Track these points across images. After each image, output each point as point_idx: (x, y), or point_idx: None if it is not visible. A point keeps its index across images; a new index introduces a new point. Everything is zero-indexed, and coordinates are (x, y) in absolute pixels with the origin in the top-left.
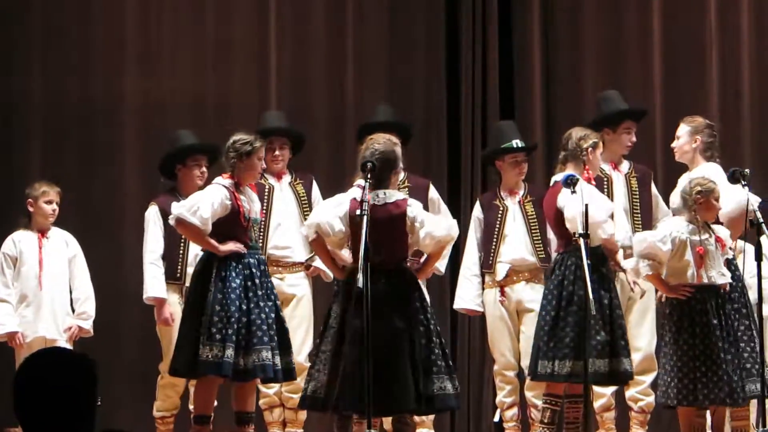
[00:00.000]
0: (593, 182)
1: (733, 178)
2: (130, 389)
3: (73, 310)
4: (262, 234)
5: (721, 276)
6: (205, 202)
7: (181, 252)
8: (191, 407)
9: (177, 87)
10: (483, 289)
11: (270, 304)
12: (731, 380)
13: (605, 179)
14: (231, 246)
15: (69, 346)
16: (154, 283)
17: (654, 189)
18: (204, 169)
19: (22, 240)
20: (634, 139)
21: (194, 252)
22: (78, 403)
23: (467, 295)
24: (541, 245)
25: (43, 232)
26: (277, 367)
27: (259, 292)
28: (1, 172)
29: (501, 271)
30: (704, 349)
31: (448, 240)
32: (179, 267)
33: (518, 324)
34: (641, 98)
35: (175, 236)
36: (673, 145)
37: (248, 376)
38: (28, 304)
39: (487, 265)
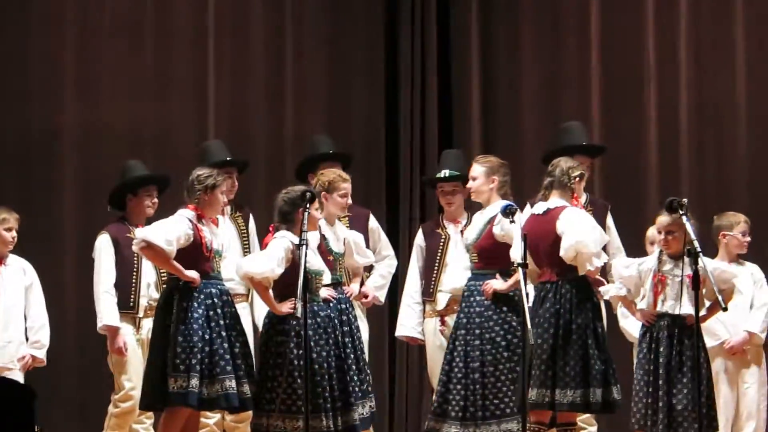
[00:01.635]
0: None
1: (671, 208)
2: (67, 419)
3: (26, 339)
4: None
5: (678, 307)
6: (171, 228)
7: (133, 281)
8: None
9: (115, 117)
10: (423, 317)
11: (234, 333)
12: (686, 411)
13: None
14: (194, 273)
15: (21, 376)
16: (108, 312)
17: (610, 222)
18: (155, 199)
19: None
20: (587, 173)
21: (146, 281)
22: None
23: (408, 323)
24: None
25: (1, 259)
26: (244, 396)
27: (221, 322)
28: None
29: (441, 300)
30: (660, 376)
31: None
32: (132, 296)
33: None
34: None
35: (128, 265)
36: (469, 185)
37: (212, 405)
38: None
39: (427, 293)
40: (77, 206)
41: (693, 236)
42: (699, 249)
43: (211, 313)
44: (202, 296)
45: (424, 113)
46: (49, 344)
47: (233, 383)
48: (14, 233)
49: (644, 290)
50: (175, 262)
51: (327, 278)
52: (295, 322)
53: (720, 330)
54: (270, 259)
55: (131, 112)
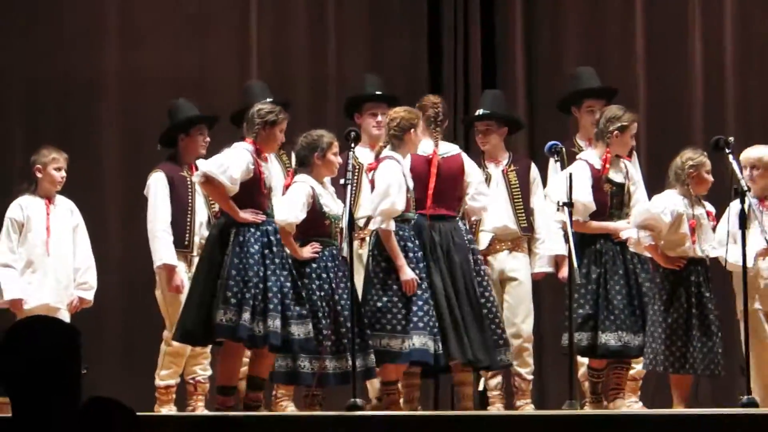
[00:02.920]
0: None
1: (717, 146)
2: (114, 360)
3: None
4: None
5: (713, 249)
6: (234, 164)
7: (188, 219)
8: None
9: (157, 61)
10: None
11: (285, 273)
12: (717, 352)
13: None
14: (249, 215)
15: (68, 317)
16: (166, 250)
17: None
18: (207, 138)
19: (29, 206)
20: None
21: (199, 220)
22: (63, 371)
23: None
24: (523, 214)
25: (50, 199)
26: (291, 336)
27: (276, 260)
28: None
29: (484, 240)
30: (700, 320)
31: None
32: (187, 235)
33: (501, 292)
34: (623, 74)
35: (182, 203)
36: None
37: (258, 342)
38: (34, 270)
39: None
40: (120, 149)
41: (740, 175)
42: (746, 188)
43: (266, 251)
44: (258, 233)
45: (467, 57)
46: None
47: (278, 322)
48: (63, 173)
49: (675, 235)
50: (231, 202)
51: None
52: (315, 265)
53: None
54: (293, 205)
55: (172, 56)
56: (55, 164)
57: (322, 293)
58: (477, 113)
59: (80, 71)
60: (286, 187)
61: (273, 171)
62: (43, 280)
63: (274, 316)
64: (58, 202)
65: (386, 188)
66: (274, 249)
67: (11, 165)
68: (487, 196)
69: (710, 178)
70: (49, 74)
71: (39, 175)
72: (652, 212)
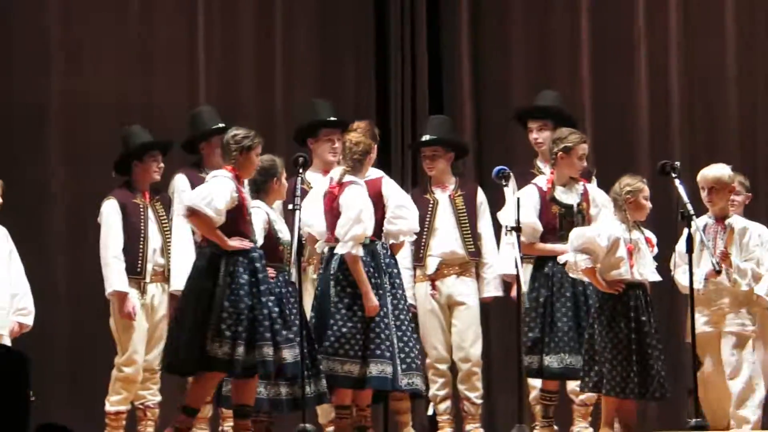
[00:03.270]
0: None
1: (663, 171)
2: (63, 387)
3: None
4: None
5: (651, 273)
6: (218, 194)
7: (140, 246)
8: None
9: (102, 87)
10: (414, 282)
11: (273, 298)
12: (660, 376)
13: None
14: (237, 243)
15: (9, 343)
16: (117, 277)
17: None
18: (161, 164)
19: None
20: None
21: (153, 247)
22: (11, 398)
23: None
24: (471, 239)
25: None
26: (283, 362)
27: (262, 287)
28: None
29: (432, 264)
30: (639, 344)
31: None
32: (139, 262)
33: (449, 317)
34: (569, 99)
35: (135, 231)
36: None
37: (251, 372)
38: None
39: (417, 258)
40: (65, 176)
41: (686, 199)
42: (692, 212)
43: (253, 279)
44: (246, 261)
45: (414, 82)
46: (40, 314)
47: (270, 350)
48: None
49: (612, 259)
50: (218, 231)
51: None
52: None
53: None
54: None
55: (118, 81)
56: None
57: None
58: (423, 139)
59: (25, 95)
60: None
61: None
62: None
63: (268, 344)
64: None
65: (358, 213)
66: (260, 275)
67: None
68: (406, 220)
69: (648, 204)
70: None
71: None
72: (588, 236)
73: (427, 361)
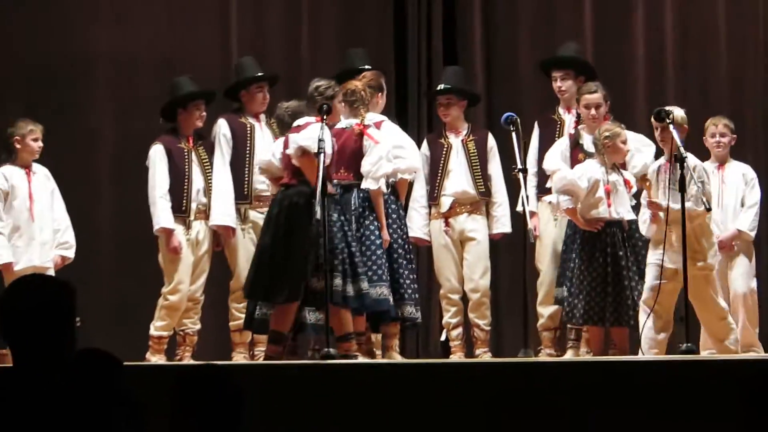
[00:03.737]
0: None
1: (659, 117)
2: (109, 313)
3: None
4: (247, 170)
5: (627, 212)
6: (327, 139)
7: (185, 187)
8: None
9: (145, 41)
10: (429, 219)
11: (359, 237)
12: (635, 304)
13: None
14: (330, 187)
15: (53, 274)
16: (164, 215)
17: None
18: (203, 112)
19: (12, 175)
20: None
21: (196, 187)
22: (59, 324)
23: (416, 225)
24: (481, 180)
25: (28, 167)
26: (381, 297)
27: (346, 228)
28: None
29: (445, 203)
30: (615, 276)
31: None
32: (184, 201)
33: (461, 251)
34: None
35: (180, 172)
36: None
37: (349, 303)
38: (20, 234)
39: (432, 197)
40: (114, 123)
41: (679, 142)
42: (685, 154)
43: (343, 218)
44: (334, 203)
45: (430, 35)
46: (87, 248)
47: (366, 284)
48: (40, 143)
49: (591, 199)
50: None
51: None
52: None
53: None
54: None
55: (160, 36)
56: (32, 135)
57: None
58: (438, 88)
59: (73, 48)
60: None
61: (266, 138)
62: (29, 243)
63: (362, 279)
64: (36, 169)
65: (390, 150)
66: (347, 216)
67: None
68: (404, 159)
69: (625, 148)
70: (46, 52)
71: (18, 146)
72: (569, 178)
73: (441, 291)
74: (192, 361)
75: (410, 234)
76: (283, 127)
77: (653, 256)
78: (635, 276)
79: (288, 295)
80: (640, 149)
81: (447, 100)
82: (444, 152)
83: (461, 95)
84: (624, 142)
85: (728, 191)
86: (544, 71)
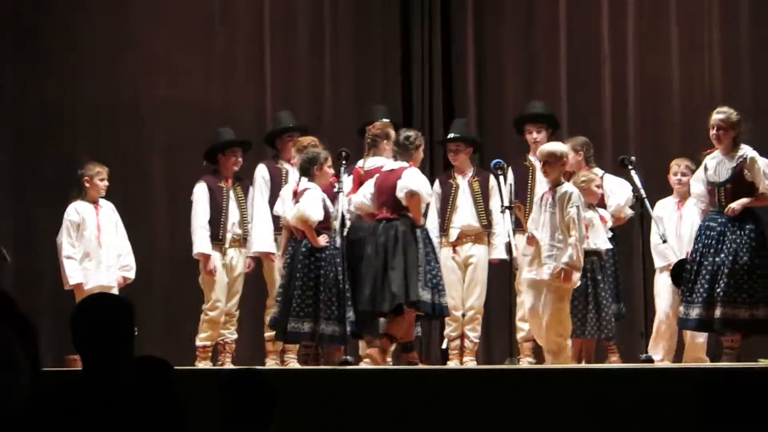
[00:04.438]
0: None
1: (622, 164)
2: (161, 326)
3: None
4: (223, 222)
5: (604, 243)
6: (427, 183)
7: (222, 219)
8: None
9: (189, 93)
10: (440, 247)
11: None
12: (610, 321)
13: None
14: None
15: (116, 292)
16: (202, 242)
17: None
18: (239, 158)
19: (81, 209)
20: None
21: (232, 220)
22: (120, 334)
23: None
24: (484, 215)
25: (96, 202)
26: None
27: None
28: (56, 161)
29: (453, 234)
30: (594, 297)
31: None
32: (221, 231)
33: (464, 274)
34: (552, 103)
35: (218, 207)
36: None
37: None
38: (90, 259)
39: (442, 229)
40: (165, 164)
41: (639, 185)
42: (644, 195)
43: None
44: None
45: (432, 92)
46: (143, 271)
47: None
48: (106, 182)
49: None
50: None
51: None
52: (327, 253)
53: (669, 254)
54: (319, 206)
55: (202, 89)
56: (99, 176)
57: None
58: (449, 136)
59: (127, 99)
60: (294, 192)
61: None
62: (97, 267)
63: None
64: (102, 204)
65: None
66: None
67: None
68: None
69: (598, 191)
70: (109, 102)
71: (87, 185)
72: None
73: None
74: (232, 366)
75: None
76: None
77: None
78: (608, 296)
79: (399, 308)
80: (614, 190)
81: (456, 147)
82: (452, 191)
83: (468, 143)
84: (598, 186)
85: (685, 223)
86: (517, 126)
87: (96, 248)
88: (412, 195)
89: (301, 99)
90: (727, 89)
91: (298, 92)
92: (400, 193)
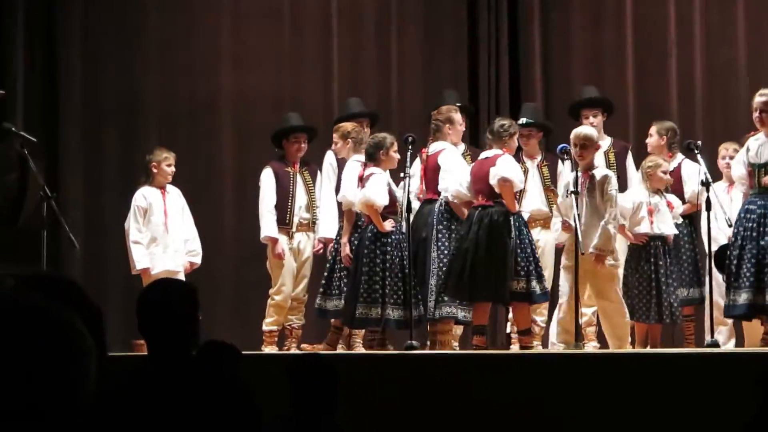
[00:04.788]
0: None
1: (688, 149)
2: (228, 311)
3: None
4: (290, 206)
5: (669, 228)
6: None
7: (289, 204)
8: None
9: (261, 84)
10: None
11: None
12: (671, 305)
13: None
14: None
15: (183, 278)
16: (270, 226)
17: (630, 161)
18: (303, 144)
19: (149, 195)
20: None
21: (299, 204)
22: (185, 318)
23: None
24: (553, 199)
25: (163, 188)
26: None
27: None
28: (127, 150)
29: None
30: (656, 281)
31: None
32: (288, 215)
33: None
34: (617, 88)
35: (285, 191)
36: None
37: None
38: (157, 244)
39: None
40: (234, 151)
41: (705, 170)
42: (710, 180)
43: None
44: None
45: (498, 80)
46: (211, 256)
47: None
48: (173, 168)
49: (636, 217)
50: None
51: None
52: (393, 237)
53: (722, 239)
54: (385, 191)
55: (273, 80)
56: (166, 162)
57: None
58: (521, 121)
59: (202, 91)
60: (360, 176)
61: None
62: (164, 252)
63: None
64: (169, 189)
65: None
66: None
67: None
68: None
69: (665, 177)
70: (179, 93)
71: (155, 170)
72: (619, 202)
73: None
74: (296, 351)
75: None
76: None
77: None
78: (674, 282)
79: (488, 295)
80: (691, 176)
81: (528, 132)
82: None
83: (539, 128)
84: (665, 172)
85: (735, 207)
86: (573, 111)
87: (163, 233)
88: (505, 182)
89: (369, 87)
90: None
91: (366, 81)
92: (493, 180)
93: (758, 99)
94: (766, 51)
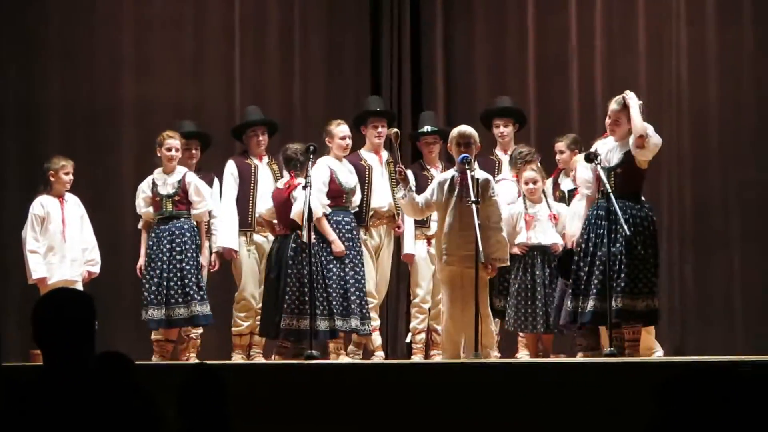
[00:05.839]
0: None
1: (589, 158)
2: (125, 323)
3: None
4: (251, 203)
5: (549, 238)
6: None
7: (250, 202)
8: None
9: (162, 91)
10: (416, 239)
11: None
12: (551, 314)
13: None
14: None
15: (81, 287)
16: (229, 235)
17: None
18: (260, 138)
19: (46, 204)
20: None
21: (261, 203)
22: (79, 329)
23: (409, 245)
24: None
25: (61, 197)
26: None
27: None
28: (27, 158)
29: (432, 227)
30: (533, 291)
31: None
32: (249, 215)
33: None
34: (519, 99)
35: (246, 188)
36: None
37: None
38: (54, 253)
39: (421, 221)
40: (134, 159)
41: (605, 181)
42: (610, 190)
43: None
44: None
45: (400, 89)
46: (110, 266)
47: None
48: (71, 176)
49: (514, 228)
50: None
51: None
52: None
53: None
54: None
55: (175, 87)
56: (64, 170)
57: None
58: (426, 129)
59: (103, 98)
60: (291, 186)
61: (266, 177)
62: (61, 261)
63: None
64: (68, 198)
65: None
66: None
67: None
68: None
69: (535, 188)
70: (80, 100)
71: (52, 179)
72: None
73: (415, 301)
74: (195, 360)
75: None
76: (289, 165)
77: None
78: (553, 291)
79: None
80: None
81: (434, 139)
82: (428, 183)
83: (442, 135)
84: (534, 183)
85: None
86: (485, 120)
87: (61, 242)
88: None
89: (272, 96)
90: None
91: (269, 89)
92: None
93: (612, 107)
94: (667, 62)
